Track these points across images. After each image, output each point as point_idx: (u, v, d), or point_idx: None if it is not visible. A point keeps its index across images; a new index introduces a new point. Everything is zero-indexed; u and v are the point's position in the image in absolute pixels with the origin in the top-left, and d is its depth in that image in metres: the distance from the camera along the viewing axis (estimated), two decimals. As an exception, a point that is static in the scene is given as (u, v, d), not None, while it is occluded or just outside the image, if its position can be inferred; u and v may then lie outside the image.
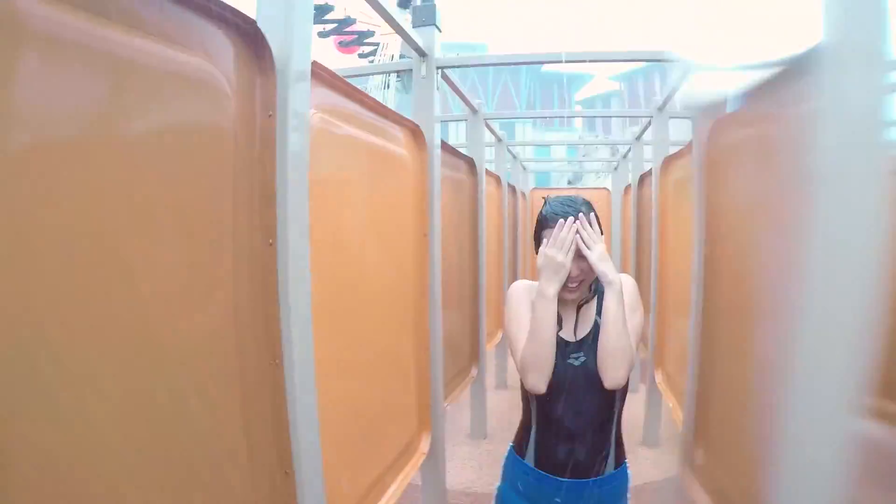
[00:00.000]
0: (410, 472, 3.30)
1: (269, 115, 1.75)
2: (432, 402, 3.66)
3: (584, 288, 2.26)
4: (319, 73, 2.24)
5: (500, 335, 6.90)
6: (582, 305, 2.27)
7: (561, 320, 2.24)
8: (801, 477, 1.77)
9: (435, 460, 3.72)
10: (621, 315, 2.12)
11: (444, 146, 4.02)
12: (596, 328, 2.22)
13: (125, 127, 1.29)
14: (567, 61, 3.77)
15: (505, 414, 6.28)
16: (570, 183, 22.63)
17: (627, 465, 2.31)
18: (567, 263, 2.13)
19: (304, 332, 1.82)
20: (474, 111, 5.62)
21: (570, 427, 2.22)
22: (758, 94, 2.65)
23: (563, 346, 2.22)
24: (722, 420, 3.17)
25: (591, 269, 2.16)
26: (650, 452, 5.53)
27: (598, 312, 2.24)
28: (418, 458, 3.49)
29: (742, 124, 2.94)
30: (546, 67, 48.07)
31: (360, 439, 2.67)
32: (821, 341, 1.73)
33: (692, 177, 3.42)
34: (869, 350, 1.69)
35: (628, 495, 2.32)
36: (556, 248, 2.12)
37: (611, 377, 2.10)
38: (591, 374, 2.17)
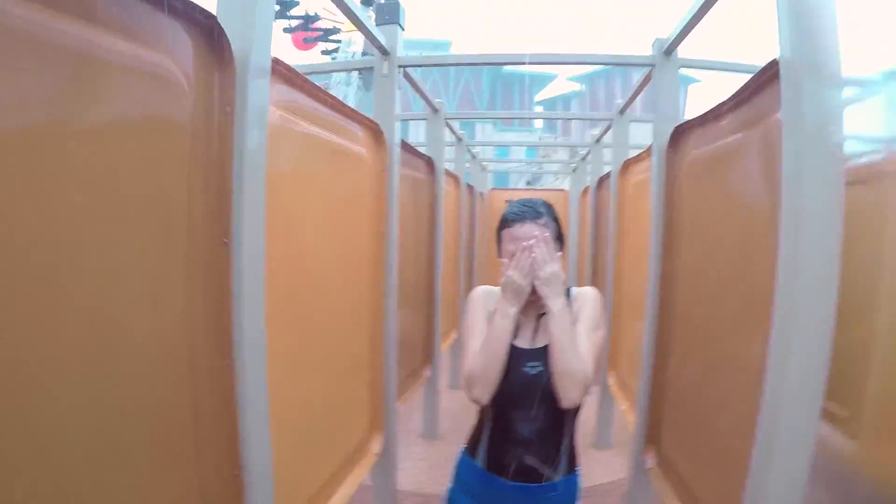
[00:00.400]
0: (362, 473, 3.28)
1: (227, 111, 1.72)
2: (385, 402, 3.64)
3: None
4: (279, 70, 2.21)
5: (454, 336, 6.91)
6: (543, 315, 2.25)
7: (518, 329, 2.24)
8: (770, 477, 1.83)
9: (387, 461, 3.69)
10: (567, 340, 2.11)
11: (404, 145, 4.01)
12: None
13: (78, 121, 1.25)
14: (531, 63, 3.77)
15: (458, 415, 6.24)
16: (528, 184, 22.71)
17: (579, 472, 2.29)
18: (527, 288, 2.16)
19: (256, 332, 1.80)
20: (435, 110, 5.60)
21: (522, 433, 2.21)
22: (719, 105, 2.69)
23: (519, 355, 2.23)
24: (676, 422, 3.22)
25: (561, 274, 2.18)
26: (602, 455, 5.56)
27: None
28: (370, 459, 3.47)
29: (703, 131, 2.98)
30: (508, 67, 48.29)
31: (311, 439, 2.65)
32: (785, 342, 1.78)
33: (651, 181, 3.45)
34: (828, 350, 1.75)
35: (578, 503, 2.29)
36: (517, 272, 2.15)
37: (565, 398, 2.11)
38: (544, 385, 2.15)
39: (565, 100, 53.64)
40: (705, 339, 2.83)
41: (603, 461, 5.40)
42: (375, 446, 3.56)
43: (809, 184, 1.73)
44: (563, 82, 54.57)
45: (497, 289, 2.26)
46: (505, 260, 2.24)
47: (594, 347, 2.18)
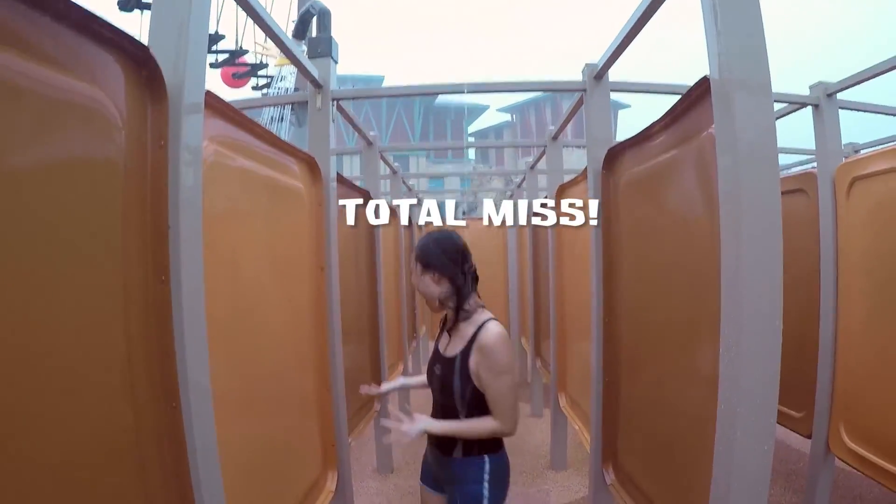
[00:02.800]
0: None
1: (161, 146, 1.67)
2: (337, 439, 3.57)
3: (445, 307, 2.62)
4: (212, 104, 2.17)
5: (400, 367, 6.85)
6: (450, 329, 2.63)
7: (442, 329, 2.74)
8: (730, 485, 1.82)
9: (342, 498, 3.62)
10: (462, 432, 2.52)
11: (340, 179, 3.98)
12: (459, 356, 2.52)
13: (2, 156, 1.19)
14: (469, 91, 3.79)
15: (411, 447, 6.16)
16: (464, 213, 22.78)
17: (487, 459, 2.55)
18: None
19: (201, 373, 1.74)
20: (369, 143, 5.57)
21: (433, 414, 2.65)
22: (652, 124, 2.74)
23: (435, 353, 2.72)
24: (631, 436, 3.23)
25: (430, 290, 2.61)
26: (558, 475, 5.56)
27: (471, 340, 2.50)
28: (326, 497, 3.41)
29: (637, 151, 3.03)
30: (439, 100, 48.73)
31: (264, 481, 2.58)
32: (734, 351, 1.80)
33: (588, 204, 3.49)
34: (778, 355, 1.77)
35: (483, 482, 2.54)
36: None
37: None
38: (443, 385, 2.56)
39: (497, 130, 54.32)
40: (654, 352, 2.87)
41: (560, 482, 5.42)
42: (331, 483, 3.50)
43: (747, 194, 1.77)
44: (493, 113, 55.20)
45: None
46: None
47: (500, 398, 2.44)
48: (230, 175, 2.42)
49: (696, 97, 2.19)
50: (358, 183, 5.37)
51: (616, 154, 3.25)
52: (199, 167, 1.78)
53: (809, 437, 4.27)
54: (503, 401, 2.42)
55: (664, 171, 2.66)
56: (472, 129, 54.35)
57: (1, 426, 1.17)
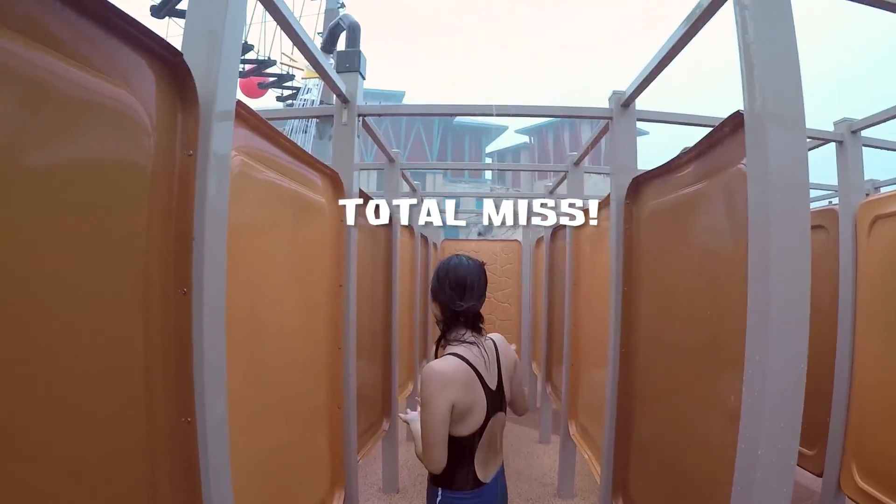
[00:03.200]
0: None
1: (190, 155, 1.65)
2: (346, 457, 3.53)
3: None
4: (241, 113, 2.15)
5: (410, 387, 6.80)
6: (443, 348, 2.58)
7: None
8: None
9: (349, 516, 3.54)
10: (415, 433, 2.51)
11: (362, 195, 3.95)
12: None
13: (28, 156, 1.17)
14: (497, 114, 3.76)
15: (416, 467, 6.15)
16: (480, 235, 22.81)
17: (438, 493, 2.48)
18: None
19: (217, 388, 1.70)
20: (391, 160, 5.57)
21: None
22: (679, 156, 2.70)
23: None
24: (643, 468, 3.17)
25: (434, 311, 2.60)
26: (564, 504, 5.49)
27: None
28: (332, 514, 3.33)
29: (663, 182, 2.99)
30: (458, 119, 48.81)
31: (272, 497, 2.53)
32: (759, 387, 1.75)
33: (610, 231, 3.46)
34: (802, 394, 1.72)
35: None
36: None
37: None
38: None
39: (514, 151, 54.21)
40: (671, 384, 2.81)
41: (566, 511, 5.30)
42: (337, 502, 3.43)
43: (776, 229, 1.72)
44: (511, 134, 55.16)
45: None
46: None
47: (422, 427, 2.37)
48: (254, 186, 2.40)
49: (728, 131, 2.15)
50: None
51: (641, 183, 3.22)
52: (226, 177, 1.76)
53: (820, 475, 4.20)
54: (423, 430, 2.34)
55: (690, 202, 2.62)
56: (489, 149, 54.31)
57: (8, 431, 1.14)
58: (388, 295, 5.30)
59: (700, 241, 2.55)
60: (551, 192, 7.46)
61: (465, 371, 2.36)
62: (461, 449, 2.36)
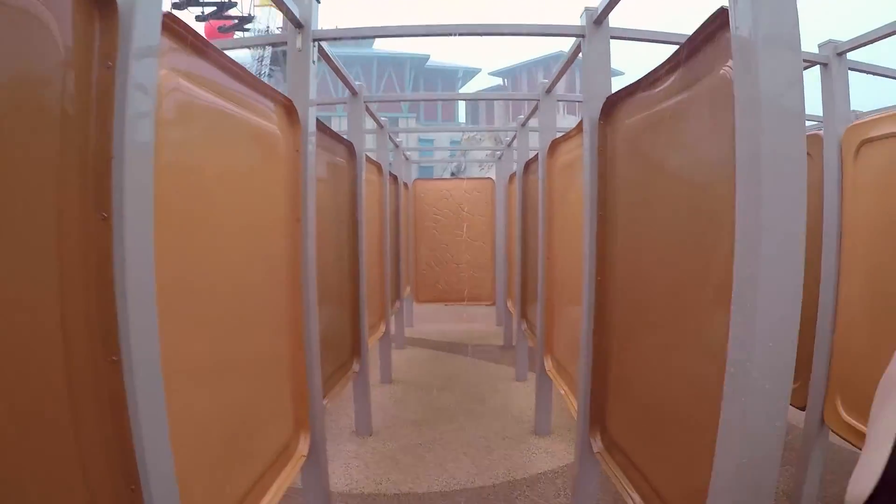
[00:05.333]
0: (290, 476, 3.06)
1: (109, 67, 1.47)
2: (310, 401, 3.40)
3: None
4: (175, 28, 1.95)
5: (382, 328, 6.71)
6: None
7: None
8: (735, 466, 1.66)
9: (316, 461, 3.46)
10: None
11: (320, 126, 3.76)
12: None
13: None
14: (460, 34, 3.58)
15: (390, 409, 6.15)
16: (453, 174, 22.74)
17: None
18: None
19: (146, 324, 1.55)
20: (355, 94, 5.33)
21: None
22: (657, 68, 2.53)
23: None
24: (621, 404, 3.07)
25: None
26: (542, 441, 5.42)
27: None
28: (297, 461, 3.24)
29: (638, 99, 2.81)
30: (431, 62, 48.31)
31: (227, 445, 2.40)
32: (749, 317, 1.61)
33: (584, 155, 3.30)
34: (797, 323, 1.59)
35: None
36: None
37: None
38: None
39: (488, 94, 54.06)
40: (651, 316, 2.69)
41: (544, 448, 5.28)
42: (302, 447, 3.34)
43: (768, 154, 1.57)
44: (485, 77, 54.80)
45: None
46: None
47: None
48: (194, 111, 2.20)
49: (711, 32, 1.99)
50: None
51: (615, 102, 3.04)
52: (152, 91, 1.58)
53: (803, 408, 4.13)
54: None
55: (670, 118, 2.44)
56: (462, 91, 53.97)
57: None
58: (355, 233, 5.13)
59: (681, 161, 2.40)
60: (523, 125, 7.29)
61: None
62: None
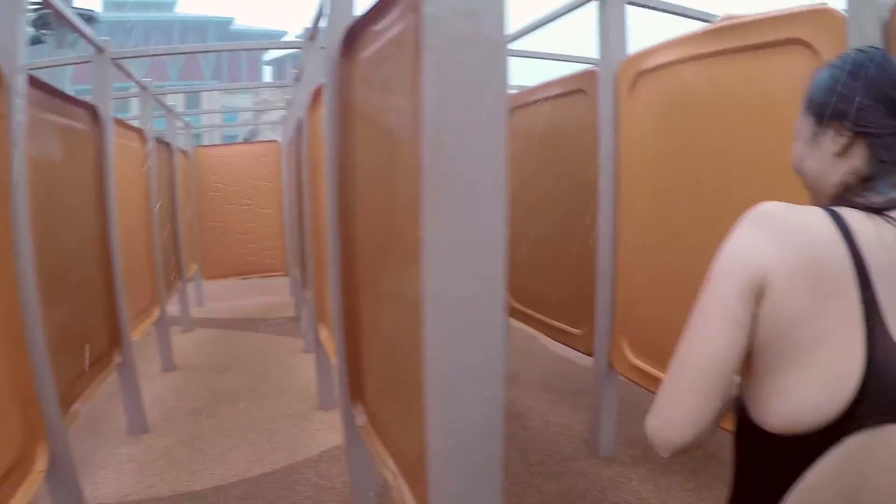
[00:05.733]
0: (26, 497, 2.67)
1: None
2: (44, 408, 2.93)
3: None
4: None
5: (157, 312, 6.22)
6: None
7: None
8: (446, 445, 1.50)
9: (63, 475, 3.07)
10: None
11: (35, 82, 3.14)
12: None
13: None
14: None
15: (168, 400, 5.67)
16: (245, 140, 22.35)
17: None
18: None
19: None
20: (101, 50, 4.56)
21: None
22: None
23: None
24: (373, 372, 2.72)
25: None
26: (327, 416, 5.14)
27: None
28: (35, 477, 2.81)
29: (374, 29, 2.37)
30: (235, 28, 47.06)
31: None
32: (437, 269, 1.43)
33: (324, 92, 2.88)
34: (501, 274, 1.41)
35: None
36: None
37: None
38: None
39: (295, 57, 53.11)
40: (376, 275, 2.48)
41: (329, 422, 5.01)
42: (40, 463, 2.88)
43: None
44: (291, 40, 53.83)
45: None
46: None
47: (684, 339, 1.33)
48: None
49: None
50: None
51: (355, 34, 2.54)
52: None
53: (591, 354, 4.13)
54: (682, 344, 1.18)
55: (389, 53, 2.08)
56: (269, 56, 52.92)
57: None
58: (103, 210, 4.51)
59: (393, 103, 2.08)
60: (297, 79, 6.64)
61: (830, 250, 1.06)
62: (778, 460, 1.10)
